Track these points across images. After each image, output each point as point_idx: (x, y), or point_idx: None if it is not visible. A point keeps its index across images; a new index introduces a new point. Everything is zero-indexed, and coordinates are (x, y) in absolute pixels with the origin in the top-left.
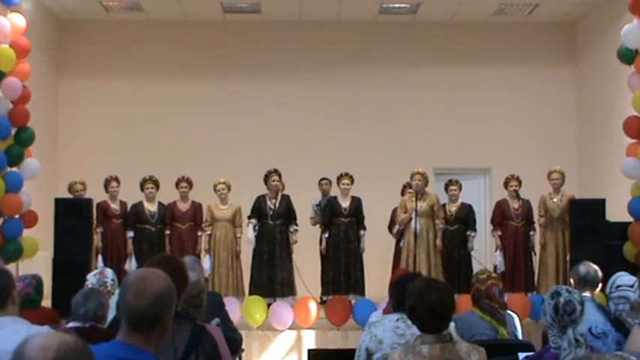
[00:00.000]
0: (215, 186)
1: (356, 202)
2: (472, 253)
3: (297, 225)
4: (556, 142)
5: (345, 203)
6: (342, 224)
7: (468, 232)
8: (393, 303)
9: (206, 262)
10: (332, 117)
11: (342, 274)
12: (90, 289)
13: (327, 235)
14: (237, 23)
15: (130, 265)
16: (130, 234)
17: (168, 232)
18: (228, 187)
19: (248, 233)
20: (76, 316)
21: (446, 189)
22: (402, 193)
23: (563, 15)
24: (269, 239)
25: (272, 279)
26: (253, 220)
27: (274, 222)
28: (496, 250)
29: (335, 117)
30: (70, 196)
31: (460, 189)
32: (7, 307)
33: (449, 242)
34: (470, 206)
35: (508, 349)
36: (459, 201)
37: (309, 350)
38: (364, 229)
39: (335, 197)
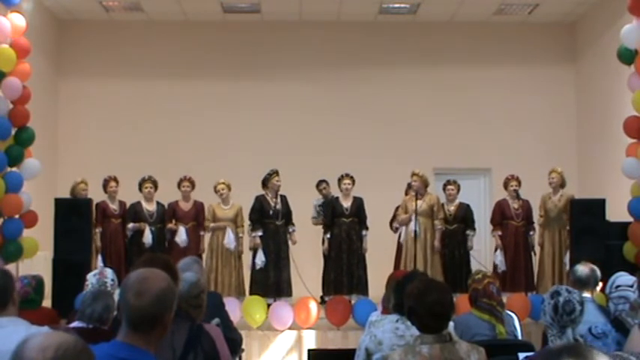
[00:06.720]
0: (215, 186)
1: (357, 202)
2: (471, 252)
3: (294, 225)
4: (556, 142)
5: (346, 203)
6: (344, 224)
7: (467, 232)
8: (395, 303)
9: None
10: (332, 117)
11: (344, 274)
12: (100, 291)
13: (329, 236)
14: (237, 23)
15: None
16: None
17: (170, 225)
18: (229, 187)
19: (258, 259)
20: (81, 316)
21: (444, 189)
22: (406, 193)
23: (563, 15)
24: (272, 239)
25: (272, 279)
26: (258, 240)
27: (276, 222)
28: (496, 249)
29: (335, 117)
30: (70, 196)
31: (458, 189)
32: (8, 307)
33: (448, 242)
34: (468, 206)
35: (508, 349)
36: (457, 201)
37: (309, 350)
38: (366, 229)
39: (337, 197)
